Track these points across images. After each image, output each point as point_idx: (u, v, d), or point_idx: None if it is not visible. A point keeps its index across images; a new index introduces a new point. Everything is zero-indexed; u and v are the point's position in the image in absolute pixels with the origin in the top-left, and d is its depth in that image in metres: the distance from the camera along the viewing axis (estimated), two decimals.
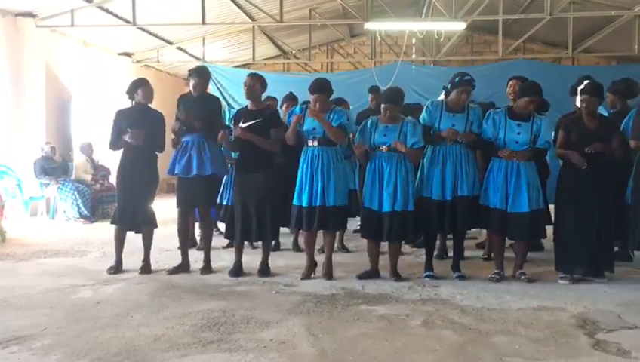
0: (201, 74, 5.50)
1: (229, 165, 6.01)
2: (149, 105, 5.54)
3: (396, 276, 5.18)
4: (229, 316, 4.10)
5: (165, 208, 8.57)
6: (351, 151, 5.86)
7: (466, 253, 6.07)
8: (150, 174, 5.48)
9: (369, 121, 5.21)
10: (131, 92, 5.48)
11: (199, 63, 12.72)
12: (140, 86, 5.47)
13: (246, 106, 5.50)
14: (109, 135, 5.54)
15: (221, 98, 11.26)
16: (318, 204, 5.08)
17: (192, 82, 5.42)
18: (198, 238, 6.51)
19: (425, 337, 3.73)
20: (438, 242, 5.97)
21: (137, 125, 5.33)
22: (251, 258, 5.67)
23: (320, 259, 5.40)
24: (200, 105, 5.36)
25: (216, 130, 5.33)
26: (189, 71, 5.54)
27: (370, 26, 10.67)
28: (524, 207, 5.01)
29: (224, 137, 5.27)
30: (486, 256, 6.09)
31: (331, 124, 5.08)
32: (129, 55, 12.83)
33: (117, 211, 5.57)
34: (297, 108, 5.39)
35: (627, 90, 6.06)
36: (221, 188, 6.43)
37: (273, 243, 6.44)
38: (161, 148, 5.58)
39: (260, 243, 5.77)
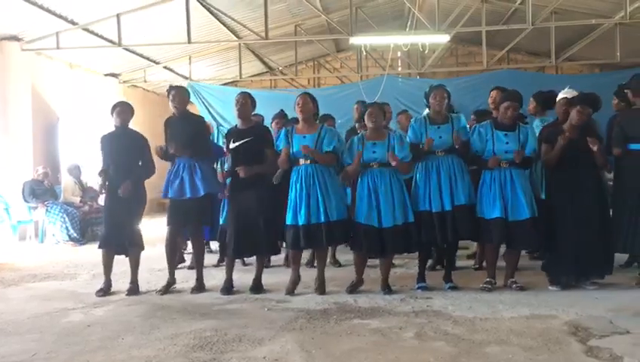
0: (179, 87, 5.59)
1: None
2: (128, 126, 5.53)
3: (387, 289, 5.16)
4: (221, 335, 4.07)
5: (155, 228, 8.55)
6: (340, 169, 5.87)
7: (457, 264, 6.08)
8: (136, 196, 5.44)
9: (355, 139, 5.23)
10: (111, 116, 5.51)
11: (186, 82, 12.80)
12: (114, 109, 5.49)
13: (236, 125, 5.50)
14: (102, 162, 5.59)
15: (209, 116, 11.35)
16: (322, 221, 5.05)
17: (170, 97, 5.43)
18: (186, 256, 6.48)
19: (418, 349, 3.72)
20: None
21: (116, 149, 5.40)
22: (243, 275, 5.64)
23: (312, 274, 5.39)
24: (186, 128, 5.38)
25: (204, 149, 5.39)
26: (167, 89, 5.56)
27: (355, 40, 10.75)
28: (524, 214, 5.03)
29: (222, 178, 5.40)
30: (477, 266, 6.11)
31: (322, 156, 5.12)
32: (115, 76, 12.83)
33: (103, 234, 5.54)
34: (282, 133, 5.31)
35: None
36: (221, 208, 6.42)
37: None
38: (150, 172, 5.55)
39: (251, 260, 5.76)
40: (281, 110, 6.78)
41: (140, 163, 5.53)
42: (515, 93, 5.26)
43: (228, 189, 5.52)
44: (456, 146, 5.17)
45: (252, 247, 5.30)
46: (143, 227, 5.69)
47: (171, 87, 5.53)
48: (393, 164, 5.00)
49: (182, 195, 5.32)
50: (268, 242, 5.30)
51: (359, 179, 5.19)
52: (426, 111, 5.59)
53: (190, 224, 5.50)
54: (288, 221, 5.14)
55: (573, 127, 5.09)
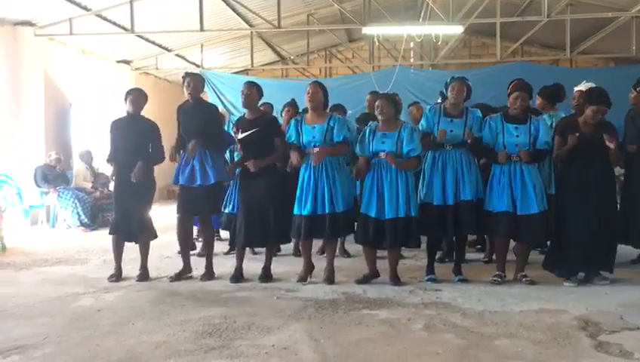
0: (195, 75, 5.60)
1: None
2: (140, 114, 5.53)
3: (395, 281, 5.16)
4: (230, 322, 4.09)
5: (165, 215, 8.60)
6: (350, 158, 5.85)
7: (467, 256, 6.05)
8: (145, 183, 5.45)
9: (367, 130, 5.21)
10: (125, 102, 5.52)
11: (198, 70, 12.80)
12: (127, 96, 5.50)
13: (243, 115, 5.51)
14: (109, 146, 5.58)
15: (220, 105, 11.36)
16: (326, 212, 5.06)
17: (185, 83, 5.43)
18: (197, 244, 6.51)
19: (427, 341, 3.72)
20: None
21: (126, 136, 5.39)
22: (252, 264, 5.66)
23: (321, 264, 5.40)
24: (197, 114, 5.39)
25: (214, 137, 5.38)
26: (183, 76, 5.57)
27: (367, 30, 10.70)
28: (533, 208, 5.00)
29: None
30: (487, 260, 6.08)
31: (334, 149, 5.12)
32: (128, 63, 12.85)
33: (114, 221, 5.59)
34: (292, 125, 5.31)
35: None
36: (225, 196, 6.43)
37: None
38: (160, 159, 5.56)
39: (261, 249, 5.78)
40: (292, 99, 6.76)
41: (150, 149, 5.54)
42: (523, 84, 5.20)
43: (238, 178, 5.53)
44: (468, 141, 5.13)
45: (262, 237, 5.31)
46: (153, 214, 5.72)
47: (187, 74, 5.55)
48: (391, 163, 4.97)
49: (192, 183, 5.33)
50: (278, 231, 5.31)
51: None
52: (439, 100, 5.56)
53: (200, 212, 5.52)
54: (294, 211, 5.17)
55: (587, 124, 5.04)
